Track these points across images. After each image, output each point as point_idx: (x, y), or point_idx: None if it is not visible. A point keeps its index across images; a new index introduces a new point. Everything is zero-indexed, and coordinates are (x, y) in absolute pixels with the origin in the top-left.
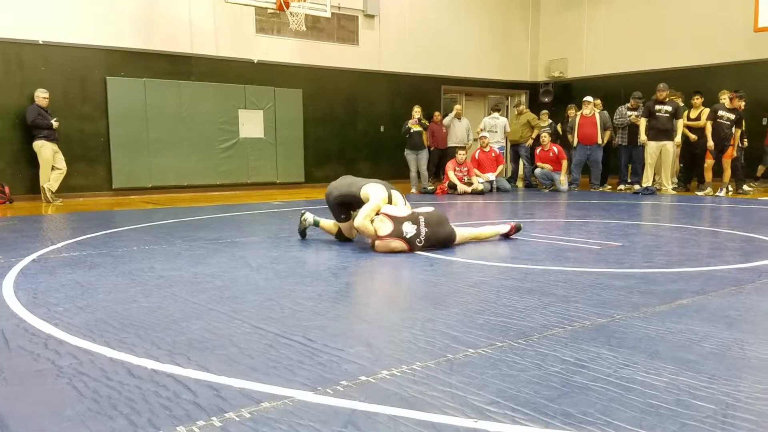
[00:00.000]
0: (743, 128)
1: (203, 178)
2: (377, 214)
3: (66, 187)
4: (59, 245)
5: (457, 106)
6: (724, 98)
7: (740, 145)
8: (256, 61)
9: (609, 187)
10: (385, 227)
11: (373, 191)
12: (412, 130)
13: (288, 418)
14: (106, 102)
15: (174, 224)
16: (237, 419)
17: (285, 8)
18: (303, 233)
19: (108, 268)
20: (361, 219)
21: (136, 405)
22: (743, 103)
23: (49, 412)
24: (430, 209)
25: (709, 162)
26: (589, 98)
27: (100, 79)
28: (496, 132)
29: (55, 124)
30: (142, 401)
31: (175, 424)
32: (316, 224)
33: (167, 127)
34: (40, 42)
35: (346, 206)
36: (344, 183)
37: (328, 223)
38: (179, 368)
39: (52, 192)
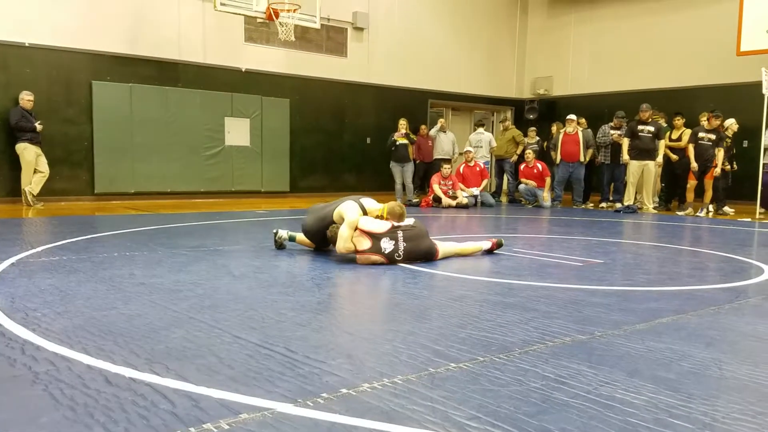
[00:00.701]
0: (728, 147)
1: (187, 185)
2: (355, 230)
3: (48, 191)
4: (39, 249)
5: (441, 120)
6: (704, 120)
7: (726, 167)
8: (244, 70)
9: (591, 204)
10: (364, 243)
11: (347, 210)
12: (397, 143)
13: (267, 430)
14: (91, 106)
15: (156, 231)
16: (215, 430)
17: (274, 18)
18: (280, 247)
19: (88, 273)
20: (342, 245)
21: (113, 414)
22: (719, 122)
23: (24, 419)
24: (410, 222)
25: (691, 183)
26: (572, 116)
27: (85, 83)
28: (481, 147)
29: (38, 127)
30: (119, 410)
31: None
32: (291, 239)
33: (152, 132)
34: (26, 44)
35: (324, 235)
36: (317, 217)
37: (304, 237)
38: (158, 377)
39: (34, 195)
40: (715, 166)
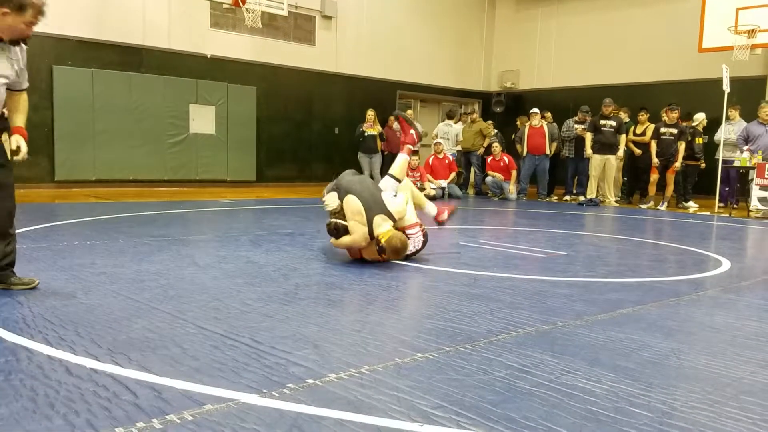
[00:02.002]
0: (703, 142)
1: (150, 173)
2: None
3: None
4: None
5: (409, 111)
6: (665, 116)
7: (698, 162)
8: (209, 56)
9: (555, 197)
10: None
11: (376, 226)
12: (366, 134)
13: (232, 421)
14: (51, 91)
15: (118, 219)
16: (178, 421)
17: (241, 4)
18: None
19: (47, 262)
20: (349, 243)
21: (75, 405)
22: (677, 114)
23: None
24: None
25: (654, 177)
26: (535, 110)
27: (46, 68)
28: (448, 139)
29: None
30: (80, 401)
31: (114, 425)
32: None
33: (115, 119)
34: None
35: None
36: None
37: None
38: (119, 368)
39: None
40: (676, 160)
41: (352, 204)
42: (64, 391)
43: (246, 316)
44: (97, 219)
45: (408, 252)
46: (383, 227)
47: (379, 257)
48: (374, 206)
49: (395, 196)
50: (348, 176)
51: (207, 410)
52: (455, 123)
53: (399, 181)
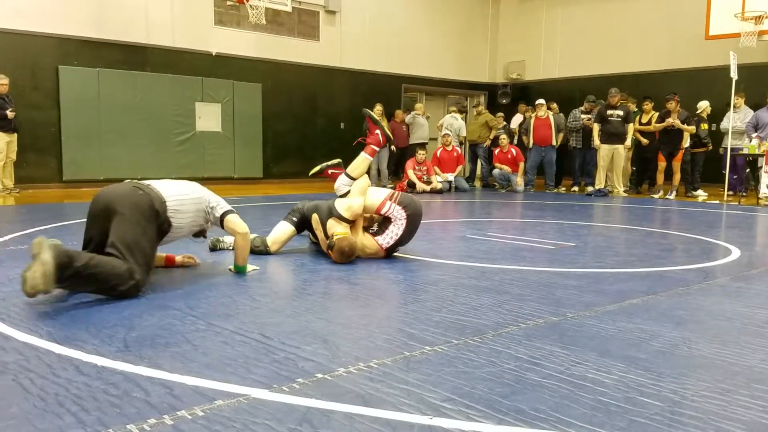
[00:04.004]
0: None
1: (157, 171)
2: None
3: (15, 178)
4: (6, 238)
5: (419, 105)
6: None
7: (704, 146)
8: (214, 54)
9: (563, 188)
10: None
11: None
12: None
13: (242, 416)
14: (57, 91)
15: None
16: (190, 417)
17: (245, 1)
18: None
19: None
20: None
21: (85, 403)
22: (675, 104)
23: None
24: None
25: (661, 165)
26: (541, 101)
27: (51, 68)
28: (449, 133)
29: (10, 114)
30: (90, 399)
31: (125, 422)
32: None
33: (121, 118)
34: None
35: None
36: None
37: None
38: (130, 365)
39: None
40: (682, 149)
41: (314, 219)
42: (74, 390)
43: (255, 311)
44: None
45: (396, 236)
46: (337, 228)
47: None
48: (326, 214)
49: (347, 194)
50: (307, 204)
51: (218, 406)
52: (461, 117)
53: (353, 179)
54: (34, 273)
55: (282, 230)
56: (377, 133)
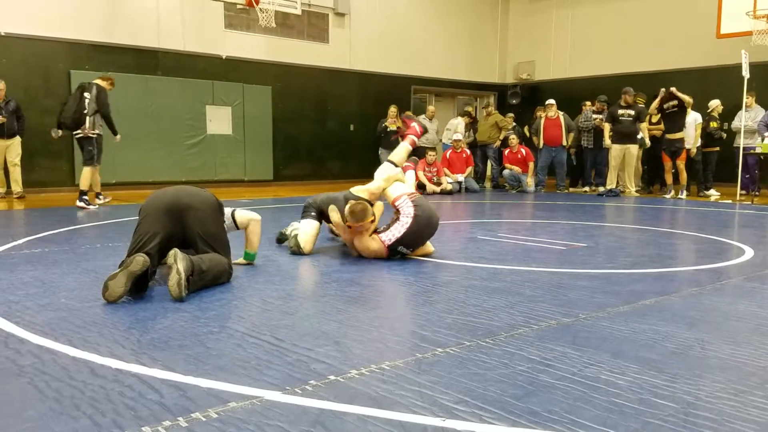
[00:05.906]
0: (716, 128)
1: (169, 175)
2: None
3: (27, 182)
4: (20, 242)
5: (430, 107)
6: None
7: (718, 145)
8: (224, 57)
9: (585, 189)
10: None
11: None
12: (388, 129)
13: (256, 418)
14: (69, 95)
15: None
16: (204, 419)
17: (255, 4)
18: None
19: (71, 265)
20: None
21: (100, 405)
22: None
23: (9, 413)
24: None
25: (668, 165)
26: (551, 101)
27: (63, 73)
28: (449, 130)
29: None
30: (106, 401)
31: (140, 424)
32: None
33: (132, 122)
34: (2, 33)
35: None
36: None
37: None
38: (144, 368)
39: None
40: (686, 149)
41: (332, 208)
42: (89, 392)
43: (267, 314)
44: (118, 221)
45: (404, 228)
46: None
47: (350, 237)
48: (343, 203)
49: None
50: (320, 196)
51: (231, 408)
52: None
53: (396, 166)
54: (171, 281)
55: (309, 229)
56: (413, 126)
